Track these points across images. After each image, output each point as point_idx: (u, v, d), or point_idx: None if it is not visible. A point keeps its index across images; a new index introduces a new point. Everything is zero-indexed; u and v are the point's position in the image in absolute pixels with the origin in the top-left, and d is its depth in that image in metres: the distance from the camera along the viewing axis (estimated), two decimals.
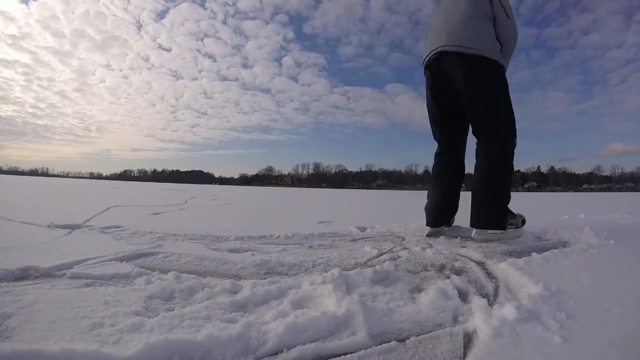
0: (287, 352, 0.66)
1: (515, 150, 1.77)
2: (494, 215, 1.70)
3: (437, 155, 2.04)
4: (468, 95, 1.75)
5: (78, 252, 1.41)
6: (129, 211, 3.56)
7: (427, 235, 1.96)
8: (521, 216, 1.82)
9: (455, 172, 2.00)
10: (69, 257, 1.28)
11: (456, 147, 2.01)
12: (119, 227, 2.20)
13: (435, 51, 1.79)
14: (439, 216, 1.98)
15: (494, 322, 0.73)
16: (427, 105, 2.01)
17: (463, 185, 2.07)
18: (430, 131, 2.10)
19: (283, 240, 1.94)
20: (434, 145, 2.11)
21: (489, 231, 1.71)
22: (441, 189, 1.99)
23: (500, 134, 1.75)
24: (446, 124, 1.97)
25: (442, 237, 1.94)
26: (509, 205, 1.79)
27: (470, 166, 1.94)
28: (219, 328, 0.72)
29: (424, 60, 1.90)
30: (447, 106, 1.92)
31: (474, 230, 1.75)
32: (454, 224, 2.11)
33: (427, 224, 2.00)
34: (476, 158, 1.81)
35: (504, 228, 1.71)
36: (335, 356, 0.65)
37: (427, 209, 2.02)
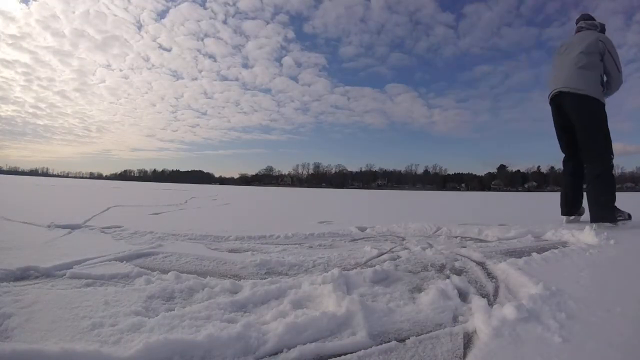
0: (287, 352, 0.66)
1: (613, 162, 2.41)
2: (605, 214, 2.33)
3: (564, 163, 2.78)
4: (578, 124, 2.46)
5: (78, 252, 1.41)
6: (129, 211, 3.56)
7: (565, 222, 2.67)
8: (626, 212, 2.43)
9: (576, 175, 2.69)
10: (69, 257, 1.29)
11: (576, 156, 2.65)
12: (119, 227, 2.21)
13: (556, 90, 2.54)
14: (566, 207, 2.72)
15: (494, 322, 0.73)
16: (555, 126, 2.74)
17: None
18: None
19: (283, 240, 1.94)
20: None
21: (606, 224, 2.27)
22: (565, 188, 2.76)
23: (601, 156, 2.38)
24: (567, 140, 2.68)
25: (442, 237, 2.00)
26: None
27: None
28: (219, 328, 0.72)
29: (549, 95, 2.66)
30: (567, 128, 2.62)
31: (595, 224, 2.23)
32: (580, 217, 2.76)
33: (562, 214, 2.74)
34: (586, 175, 2.48)
35: (615, 221, 2.31)
36: (335, 356, 0.65)
37: (561, 203, 2.78)
